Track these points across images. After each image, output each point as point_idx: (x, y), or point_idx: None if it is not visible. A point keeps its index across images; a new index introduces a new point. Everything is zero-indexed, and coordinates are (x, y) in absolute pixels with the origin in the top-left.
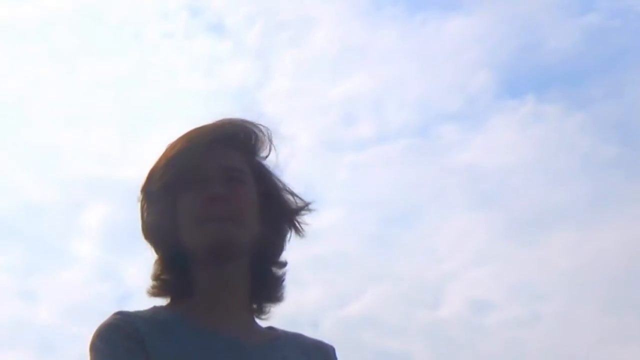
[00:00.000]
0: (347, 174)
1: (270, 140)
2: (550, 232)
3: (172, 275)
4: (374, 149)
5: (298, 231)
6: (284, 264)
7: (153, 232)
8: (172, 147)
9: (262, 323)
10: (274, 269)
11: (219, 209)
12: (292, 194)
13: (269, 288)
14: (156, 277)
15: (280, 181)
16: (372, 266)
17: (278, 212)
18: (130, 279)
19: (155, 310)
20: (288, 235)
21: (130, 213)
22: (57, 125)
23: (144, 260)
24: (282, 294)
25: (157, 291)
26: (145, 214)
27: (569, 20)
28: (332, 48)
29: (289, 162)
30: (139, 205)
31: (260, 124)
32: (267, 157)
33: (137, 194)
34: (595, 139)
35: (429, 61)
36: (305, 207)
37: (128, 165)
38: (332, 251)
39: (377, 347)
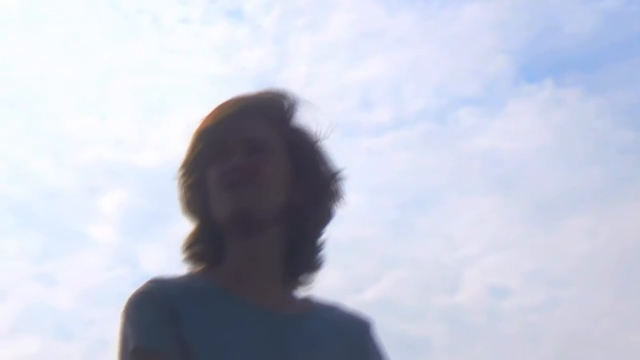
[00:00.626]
0: (364, 159)
1: (302, 109)
2: (567, 217)
3: (205, 246)
4: (391, 133)
5: (334, 200)
6: (321, 234)
7: (187, 205)
8: (203, 120)
9: (301, 293)
10: (311, 240)
11: (235, 179)
12: (327, 162)
13: (304, 259)
14: (189, 246)
15: (316, 150)
16: (390, 251)
17: (312, 182)
18: (147, 263)
19: (191, 277)
20: (327, 205)
21: (147, 198)
22: (74, 110)
23: (160, 245)
24: (318, 264)
25: (192, 260)
26: (182, 188)
27: (587, 4)
28: (349, 33)
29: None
30: (178, 178)
31: (293, 93)
32: (300, 125)
33: (153, 178)
34: (613, 124)
35: (446, 46)
36: (336, 176)
37: (145, 150)
38: (350, 236)
39: (395, 332)
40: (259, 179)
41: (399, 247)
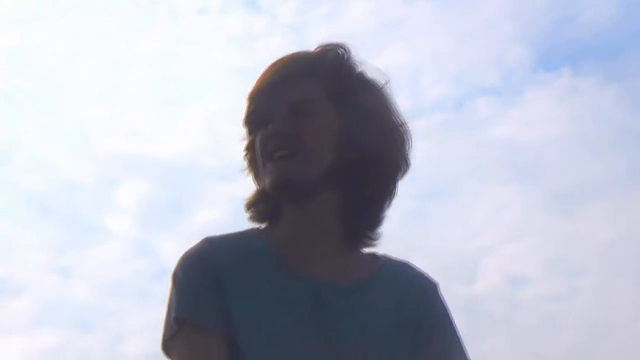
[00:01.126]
0: None
1: (357, 64)
2: (586, 205)
3: (264, 206)
4: (409, 123)
5: (397, 152)
6: (384, 191)
7: (247, 165)
8: (254, 83)
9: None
10: (369, 198)
11: (275, 149)
12: (385, 113)
13: (363, 218)
14: (250, 205)
15: (370, 101)
16: (408, 241)
17: (365, 136)
18: (166, 255)
19: (248, 235)
20: (388, 158)
21: (165, 189)
22: (91, 102)
23: (178, 236)
24: (379, 221)
25: (253, 219)
26: (243, 147)
27: None
28: (367, 22)
29: None
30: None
31: (345, 44)
32: (352, 76)
33: (171, 170)
34: (631, 112)
35: (464, 35)
36: (397, 126)
37: (163, 142)
38: None
39: None
40: (299, 145)
41: (417, 237)
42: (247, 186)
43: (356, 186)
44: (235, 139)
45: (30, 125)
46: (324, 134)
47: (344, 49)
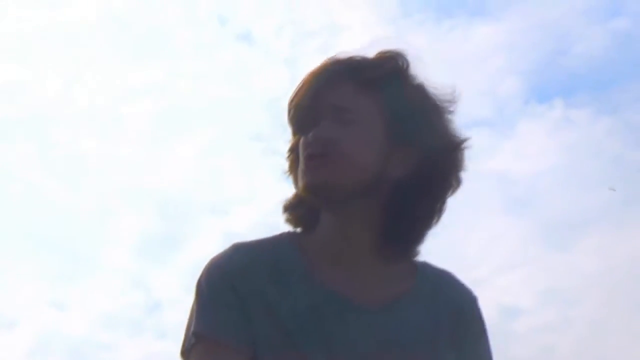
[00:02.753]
0: None
1: (417, 77)
2: (580, 236)
3: (302, 211)
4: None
5: (448, 172)
6: (431, 208)
7: (288, 168)
8: (297, 87)
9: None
10: (412, 214)
11: (314, 152)
12: (438, 131)
13: (401, 233)
14: (287, 209)
15: (424, 116)
16: None
17: (413, 152)
18: (161, 288)
19: (280, 242)
20: (439, 178)
21: (160, 222)
22: (86, 134)
23: (173, 269)
24: (422, 239)
25: (289, 223)
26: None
27: (597, 24)
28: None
29: None
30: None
31: (402, 52)
32: (408, 88)
33: (167, 202)
34: (624, 144)
35: (456, 67)
36: (452, 145)
37: (158, 174)
38: None
39: None
40: (337, 152)
41: None
42: (240, 221)
43: (403, 201)
44: (229, 171)
45: (25, 156)
46: (366, 145)
47: (405, 60)
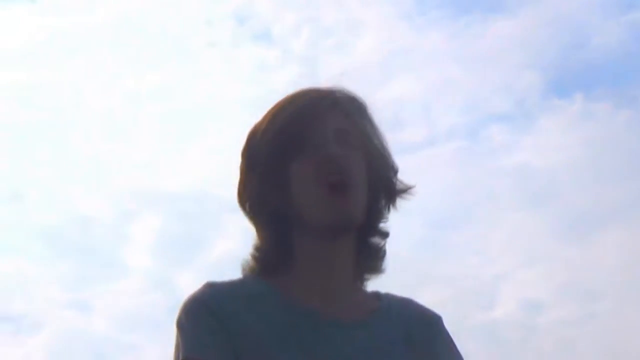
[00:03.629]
0: None
1: (369, 108)
2: (601, 230)
3: (273, 246)
4: (423, 152)
5: (393, 207)
6: (387, 235)
7: (258, 200)
8: (278, 111)
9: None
10: (377, 240)
11: (333, 170)
12: (391, 159)
13: (373, 259)
14: (259, 254)
15: (383, 146)
16: (424, 269)
17: (381, 181)
18: (182, 288)
19: (247, 281)
20: (392, 202)
21: (179, 223)
22: (103, 136)
23: (195, 269)
24: (383, 265)
25: (252, 264)
26: (247, 180)
27: (615, 17)
28: (378, 52)
29: None
30: (238, 170)
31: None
32: (369, 124)
33: (184, 203)
34: None
35: (475, 63)
36: (407, 190)
37: (176, 175)
38: None
39: None
40: (356, 177)
41: (433, 265)
42: None
43: (374, 222)
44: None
45: (43, 161)
46: (364, 172)
47: (359, 96)
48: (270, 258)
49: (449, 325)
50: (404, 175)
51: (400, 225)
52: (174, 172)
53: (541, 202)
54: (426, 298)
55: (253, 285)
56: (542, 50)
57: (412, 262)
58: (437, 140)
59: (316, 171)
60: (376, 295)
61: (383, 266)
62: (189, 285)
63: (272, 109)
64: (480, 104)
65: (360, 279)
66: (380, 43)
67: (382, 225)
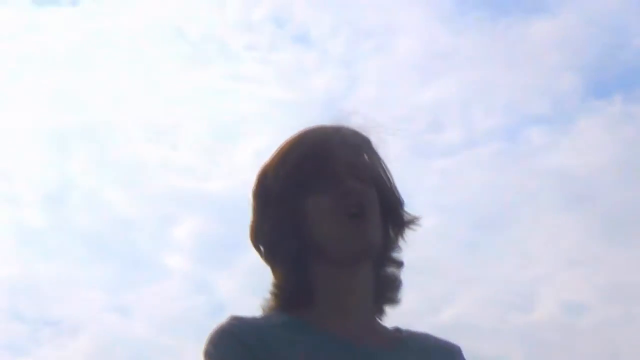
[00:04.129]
0: (436, 180)
1: (379, 145)
2: None
3: (293, 281)
4: (462, 154)
5: (402, 238)
6: (402, 264)
7: (275, 237)
8: (289, 150)
9: (386, 323)
10: (394, 270)
11: (356, 211)
12: (401, 201)
13: (390, 289)
14: (275, 287)
15: (391, 186)
16: (465, 271)
17: (390, 218)
18: (223, 290)
19: (271, 315)
20: (402, 234)
21: (220, 226)
22: (143, 139)
23: (234, 272)
24: (400, 295)
25: (273, 302)
26: (261, 220)
27: None
28: (416, 54)
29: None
30: (250, 210)
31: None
32: (377, 158)
33: (225, 206)
34: None
35: (514, 64)
36: (414, 221)
37: (216, 178)
38: (424, 257)
39: (472, 352)
40: (374, 209)
41: (473, 267)
42: None
43: (388, 252)
44: None
45: (84, 164)
46: (377, 201)
47: (374, 136)
48: (292, 293)
49: (489, 326)
50: (444, 176)
51: (441, 226)
52: (214, 175)
53: (581, 203)
54: (466, 300)
55: (278, 317)
56: (582, 51)
57: (452, 263)
58: (476, 142)
59: (335, 204)
60: (395, 328)
61: (399, 297)
62: (230, 288)
63: (281, 149)
64: (520, 105)
65: (379, 312)
66: (419, 45)
67: (396, 255)
